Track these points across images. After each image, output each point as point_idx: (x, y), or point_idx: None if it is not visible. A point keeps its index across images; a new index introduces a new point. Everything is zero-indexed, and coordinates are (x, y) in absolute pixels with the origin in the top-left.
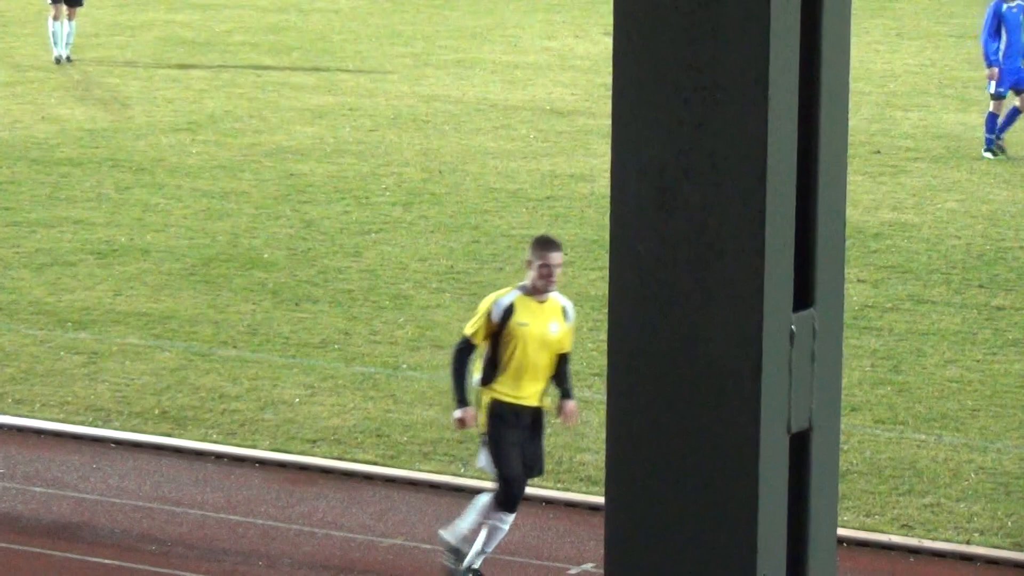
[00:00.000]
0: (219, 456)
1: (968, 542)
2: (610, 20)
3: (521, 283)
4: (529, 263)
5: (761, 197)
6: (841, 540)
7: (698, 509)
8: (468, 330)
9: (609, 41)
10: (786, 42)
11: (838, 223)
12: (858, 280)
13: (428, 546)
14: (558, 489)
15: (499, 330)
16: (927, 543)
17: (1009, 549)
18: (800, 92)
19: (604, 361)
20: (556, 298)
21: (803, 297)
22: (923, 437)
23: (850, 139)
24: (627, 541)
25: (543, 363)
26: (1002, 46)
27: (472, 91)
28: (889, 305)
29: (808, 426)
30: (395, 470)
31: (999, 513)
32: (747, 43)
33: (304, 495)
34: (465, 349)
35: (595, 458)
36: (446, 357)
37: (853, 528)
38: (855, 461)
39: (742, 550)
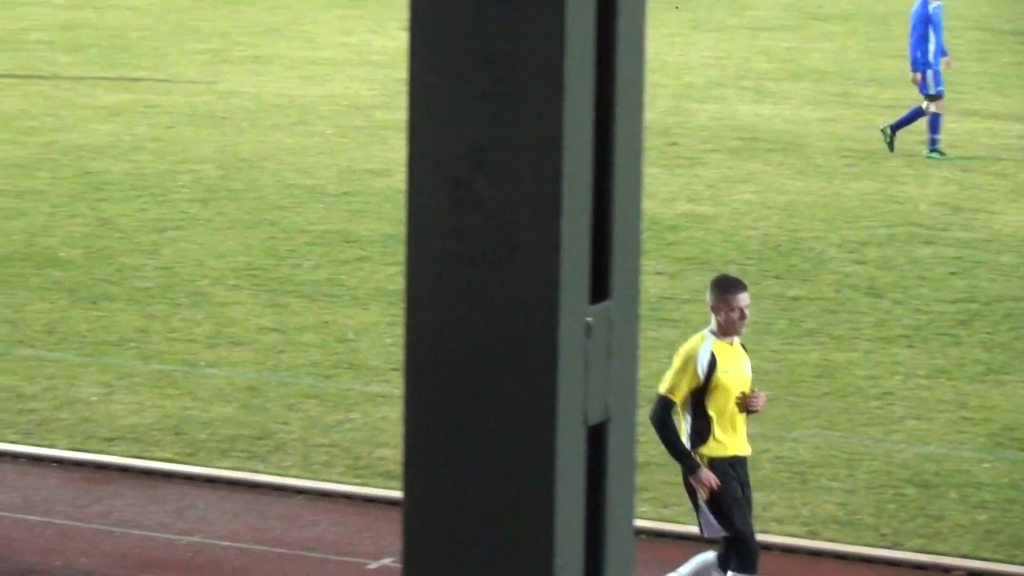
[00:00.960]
0: (16, 456)
1: (764, 531)
2: (406, 15)
3: (710, 328)
4: (717, 308)
5: (556, 191)
6: (639, 531)
7: (495, 502)
8: (665, 389)
9: (405, 36)
10: (581, 35)
11: (634, 216)
12: (656, 272)
13: (227, 543)
14: (357, 484)
15: (706, 383)
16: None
17: (804, 537)
18: (596, 85)
19: (401, 356)
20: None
21: (600, 290)
22: None
23: (647, 131)
24: (425, 535)
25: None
26: (931, 47)
27: (269, 87)
28: (686, 297)
29: (605, 418)
30: (193, 467)
31: (795, 502)
32: (542, 36)
33: (102, 494)
34: (667, 409)
35: (394, 453)
36: (246, 353)
37: (651, 519)
38: (653, 453)
39: (539, 542)
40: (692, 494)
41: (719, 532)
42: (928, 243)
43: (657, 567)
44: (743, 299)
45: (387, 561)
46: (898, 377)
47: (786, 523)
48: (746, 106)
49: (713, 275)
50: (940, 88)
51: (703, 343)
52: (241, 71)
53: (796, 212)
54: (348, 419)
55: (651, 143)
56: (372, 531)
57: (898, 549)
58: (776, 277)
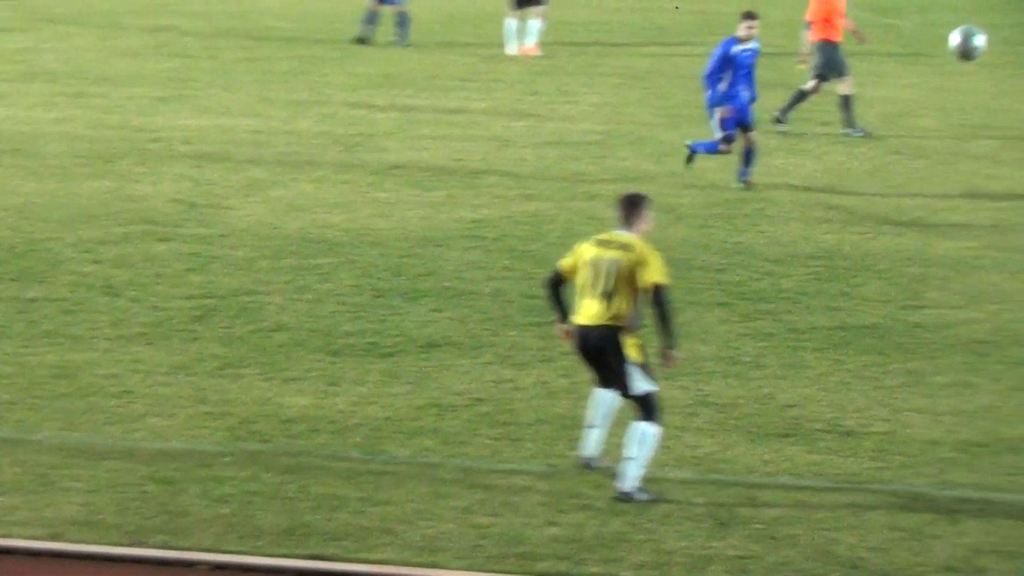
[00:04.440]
0: None
1: (8, 535)
2: None
3: None
4: None
5: None
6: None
7: None
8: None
9: None
10: None
11: None
12: None
13: None
14: None
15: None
16: None
17: (47, 540)
18: None
19: None
20: None
21: None
22: None
23: None
24: None
25: None
26: (723, 86)
27: None
28: None
29: None
30: None
31: (38, 504)
32: None
33: None
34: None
35: None
36: None
37: None
38: None
39: None
40: None
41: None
42: (164, 240)
43: None
44: None
45: None
46: (138, 375)
47: (29, 526)
48: None
49: None
50: (729, 132)
51: None
52: None
53: (30, 214)
54: None
55: None
56: None
57: (140, 547)
58: (12, 279)
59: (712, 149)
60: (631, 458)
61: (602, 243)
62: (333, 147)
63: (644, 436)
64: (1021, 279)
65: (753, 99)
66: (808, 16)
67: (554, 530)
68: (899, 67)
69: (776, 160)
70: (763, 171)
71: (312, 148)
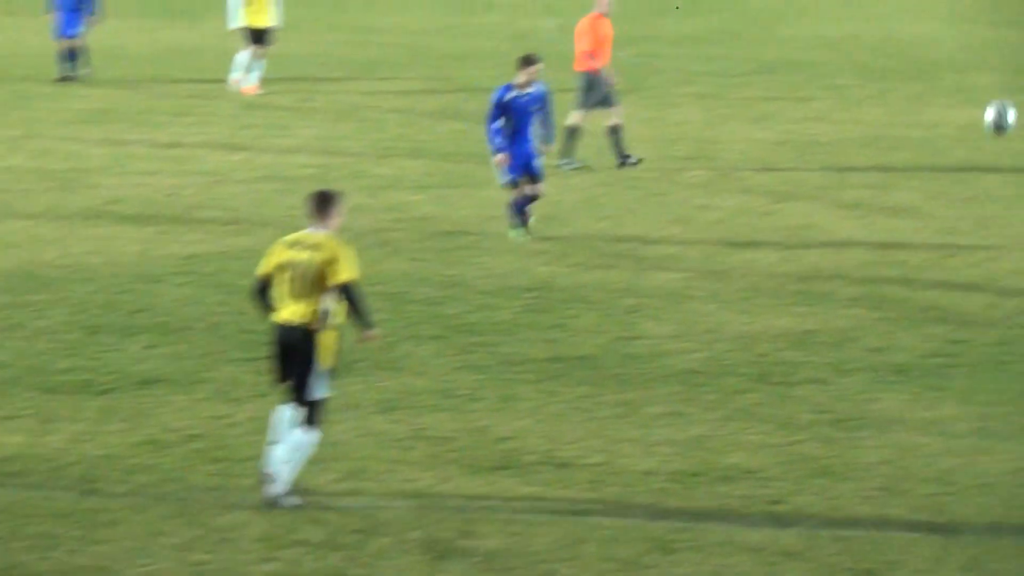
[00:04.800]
0: None
1: None
2: None
3: None
4: None
5: None
6: None
7: None
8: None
9: None
10: None
11: None
12: None
13: None
14: None
15: None
16: None
17: None
18: None
19: None
20: None
21: None
22: None
23: None
24: None
25: None
26: (508, 132)
27: None
28: None
29: None
30: None
31: None
32: None
33: None
34: None
35: None
36: None
37: None
38: None
39: None
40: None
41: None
42: None
43: None
44: None
45: None
46: None
47: None
48: None
49: None
50: (513, 176)
51: None
52: None
53: None
54: None
55: None
56: None
57: None
58: None
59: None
60: (285, 462)
61: (293, 244)
62: (46, 183)
63: (300, 443)
64: (733, 309)
65: (549, 143)
66: (579, 47)
67: (271, 566)
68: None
69: (490, 192)
70: (477, 202)
71: (25, 184)
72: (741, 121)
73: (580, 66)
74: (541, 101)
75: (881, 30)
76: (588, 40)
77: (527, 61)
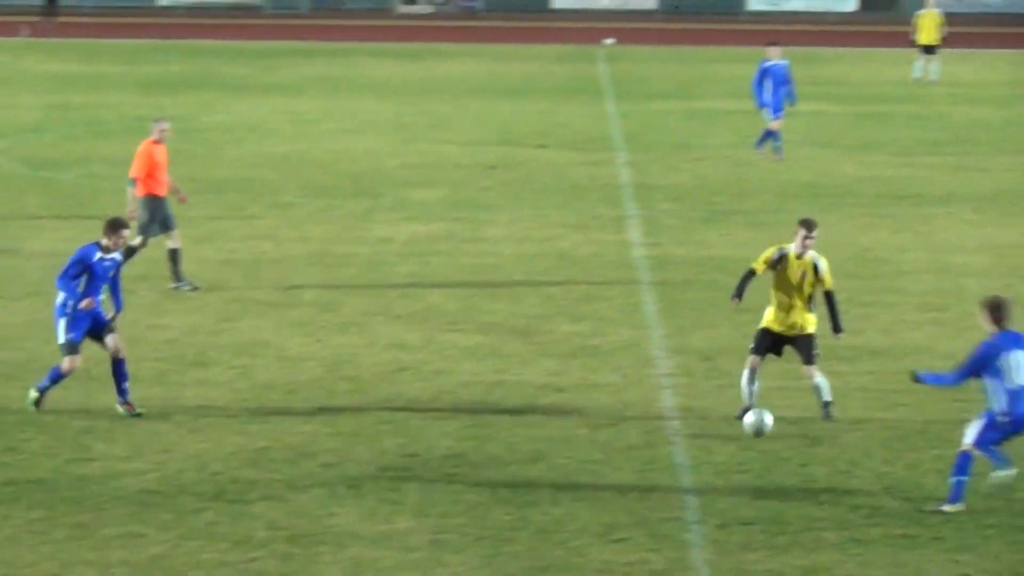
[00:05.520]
0: None
1: None
2: None
3: None
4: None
5: None
6: None
7: None
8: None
9: None
10: None
11: None
12: None
13: None
14: None
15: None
16: None
17: None
18: None
19: None
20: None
21: None
22: None
23: None
24: None
25: None
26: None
27: None
28: None
29: None
30: None
31: None
32: None
33: None
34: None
35: None
36: None
37: None
38: None
39: None
40: None
41: None
42: None
43: None
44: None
45: None
46: None
47: None
48: None
49: None
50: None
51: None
52: None
53: None
54: None
55: None
56: None
57: None
58: None
59: (54, 377)
60: None
61: None
62: None
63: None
64: (186, 428)
65: (119, 309)
66: (132, 172)
67: None
68: (58, 221)
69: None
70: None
71: None
72: (187, 241)
73: (141, 192)
74: (119, 267)
75: (328, 147)
76: (143, 165)
77: (112, 226)
